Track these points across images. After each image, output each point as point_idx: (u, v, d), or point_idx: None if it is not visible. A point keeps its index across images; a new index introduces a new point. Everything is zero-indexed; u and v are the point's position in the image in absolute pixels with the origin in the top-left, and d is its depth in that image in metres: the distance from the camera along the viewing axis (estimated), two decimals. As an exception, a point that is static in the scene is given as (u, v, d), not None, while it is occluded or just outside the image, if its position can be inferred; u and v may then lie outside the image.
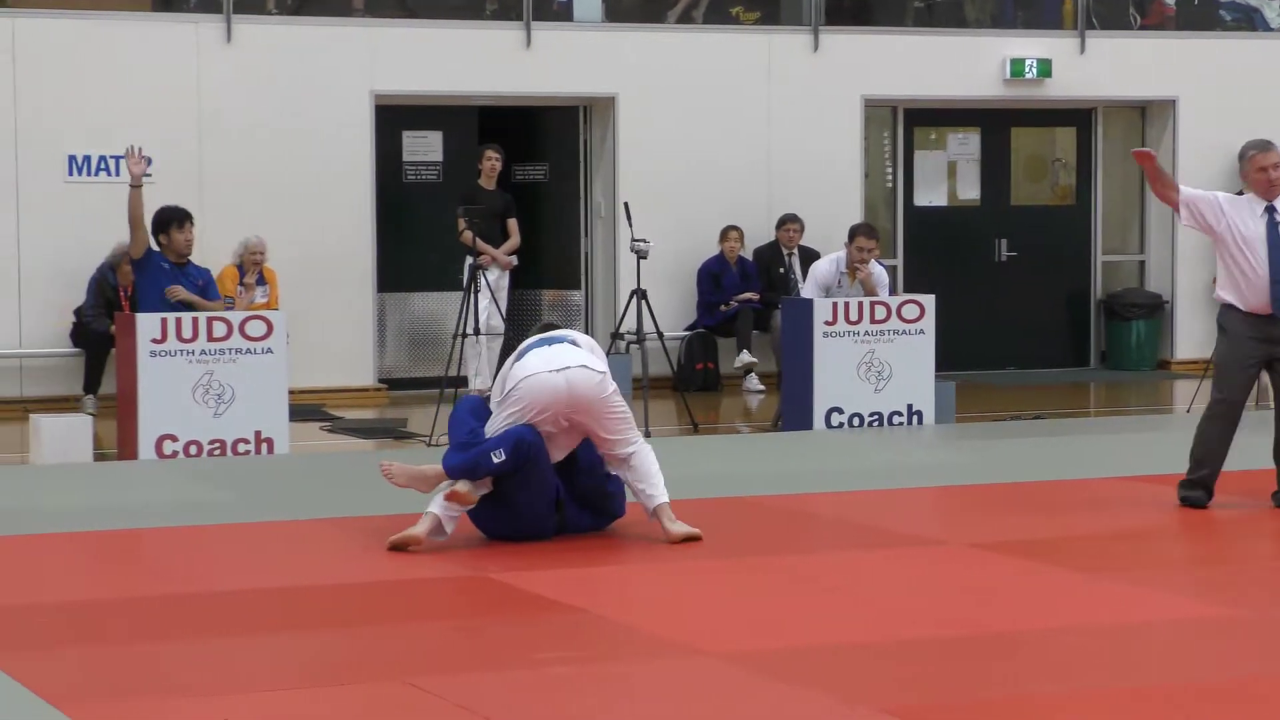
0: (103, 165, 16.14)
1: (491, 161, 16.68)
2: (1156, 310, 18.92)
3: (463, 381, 15.59)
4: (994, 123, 18.96)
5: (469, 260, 15.47)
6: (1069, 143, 19.31)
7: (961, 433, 14.14)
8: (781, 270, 17.51)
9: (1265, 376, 10.82)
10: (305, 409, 15.14)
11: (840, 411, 14.09)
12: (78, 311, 15.87)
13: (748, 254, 17.65)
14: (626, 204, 15.92)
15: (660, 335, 15.52)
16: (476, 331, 15.01)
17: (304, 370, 15.64)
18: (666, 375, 16.17)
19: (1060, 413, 15.77)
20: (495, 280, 16.17)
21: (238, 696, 6.73)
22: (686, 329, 17.40)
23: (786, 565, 9.09)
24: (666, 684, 6.94)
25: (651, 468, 9.49)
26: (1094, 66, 18.68)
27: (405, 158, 17.58)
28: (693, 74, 17.64)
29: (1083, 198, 19.12)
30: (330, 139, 16.70)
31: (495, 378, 9.88)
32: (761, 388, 16.98)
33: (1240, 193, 10.67)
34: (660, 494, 9.47)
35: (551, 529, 9.51)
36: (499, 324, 16.09)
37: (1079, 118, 19.20)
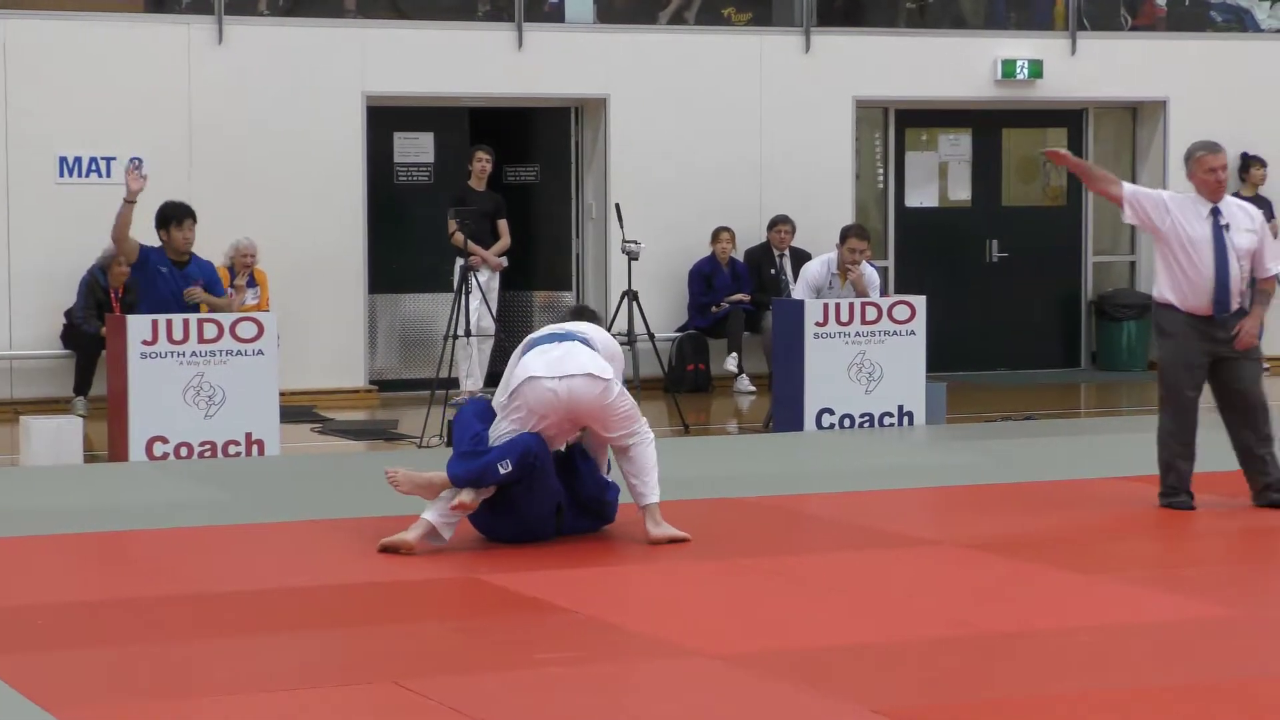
0: (94, 166, 16.13)
1: (482, 163, 16.67)
2: (1147, 311, 18.89)
3: (454, 383, 15.58)
4: (985, 124, 18.96)
5: (460, 262, 15.46)
6: (1060, 143, 19.29)
7: (953, 434, 14.15)
8: (773, 271, 17.51)
9: None
10: (296, 410, 15.13)
11: (831, 412, 14.09)
12: (68, 313, 15.85)
13: (739, 255, 17.64)
14: (618, 205, 15.91)
15: (651, 336, 15.52)
16: (468, 333, 15.00)
17: (295, 372, 15.62)
18: (658, 376, 16.17)
19: (1051, 413, 15.78)
20: (486, 281, 16.16)
21: (228, 698, 6.73)
22: (677, 330, 17.40)
23: (778, 566, 9.09)
24: (659, 685, 6.94)
25: (647, 463, 9.44)
26: (1085, 67, 18.69)
27: (396, 159, 17.57)
28: (684, 75, 17.64)
29: (1073, 199, 19.12)
30: (321, 140, 16.68)
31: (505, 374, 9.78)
32: (752, 389, 16.98)
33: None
34: (651, 494, 9.44)
35: (551, 533, 9.49)
36: (490, 325, 16.08)
37: (1070, 118, 19.21)
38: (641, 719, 6.64)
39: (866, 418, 14.16)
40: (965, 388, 16.92)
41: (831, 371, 14.06)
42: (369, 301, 17.04)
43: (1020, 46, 18.56)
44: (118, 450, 12.76)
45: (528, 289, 17.93)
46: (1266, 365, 18.22)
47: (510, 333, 16.63)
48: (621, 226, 15.41)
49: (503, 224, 16.72)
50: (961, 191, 19.05)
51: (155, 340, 12.62)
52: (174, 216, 13.01)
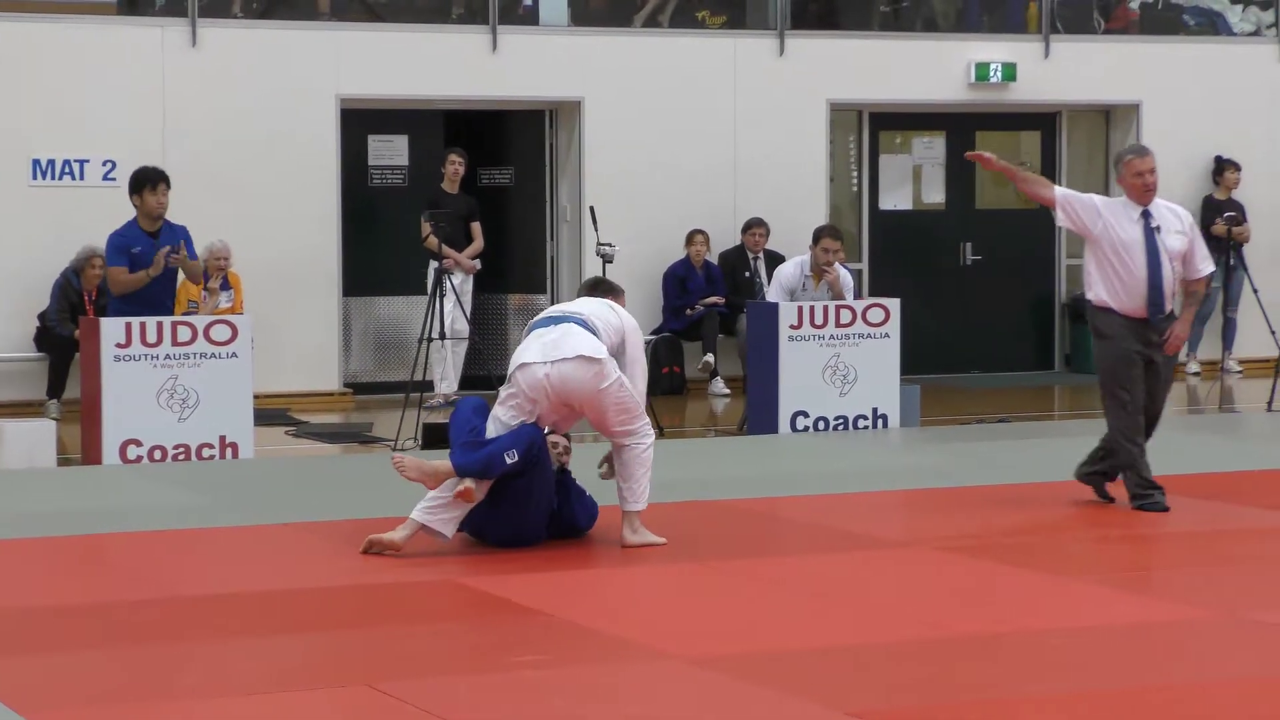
0: (67, 169, 16.09)
1: (455, 165, 16.66)
2: (1121, 313, 18.95)
3: (428, 386, 15.57)
4: (959, 126, 18.99)
5: (434, 264, 15.45)
6: (1034, 146, 19.35)
7: (927, 436, 14.17)
8: (747, 274, 17.52)
9: None
10: (270, 413, 15.11)
11: (805, 415, 14.10)
12: (41, 316, 15.81)
13: (713, 258, 17.65)
14: (592, 208, 15.91)
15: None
16: (442, 336, 14.99)
17: (269, 374, 15.60)
18: (632, 379, 16.15)
19: (1025, 415, 15.80)
20: (459, 284, 16.15)
21: (201, 702, 6.72)
22: (652, 333, 17.39)
23: (753, 569, 9.09)
24: (634, 688, 6.94)
25: (638, 470, 9.38)
26: (1058, 70, 18.72)
27: (371, 161, 17.56)
28: (658, 78, 17.64)
29: (1047, 201, 19.15)
30: (295, 143, 16.66)
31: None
32: (727, 391, 16.99)
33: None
34: (635, 502, 9.40)
35: (544, 535, 9.47)
36: (464, 328, 16.07)
37: (1043, 121, 19.25)
38: (616, 722, 6.65)
39: (841, 420, 14.18)
40: (939, 390, 16.95)
41: (806, 374, 14.08)
42: (343, 304, 17.03)
43: (994, 49, 18.60)
44: (91, 453, 12.72)
45: (502, 292, 17.92)
46: (1198, 370, 18.38)
47: (484, 336, 16.65)
48: (596, 229, 15.41)
49: (476, 227, 16.72)
50: (935, 194, 19.08)
51: (129, 343, 12.60)
52: (147, 180, 12.83)
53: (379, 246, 17.35)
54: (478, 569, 8.95)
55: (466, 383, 16.34)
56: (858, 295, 15.90)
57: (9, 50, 16.08)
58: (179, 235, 12.86)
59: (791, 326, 14.07)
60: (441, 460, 9.27)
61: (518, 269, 18.00)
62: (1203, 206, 18.75)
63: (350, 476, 12.39)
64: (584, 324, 9.40)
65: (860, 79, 18.21)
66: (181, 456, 12.68)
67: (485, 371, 15.35)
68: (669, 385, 17.21)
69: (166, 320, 12.74)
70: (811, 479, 11.95)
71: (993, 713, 6.59)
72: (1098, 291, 10.49)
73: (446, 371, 16.17)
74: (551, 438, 9.67)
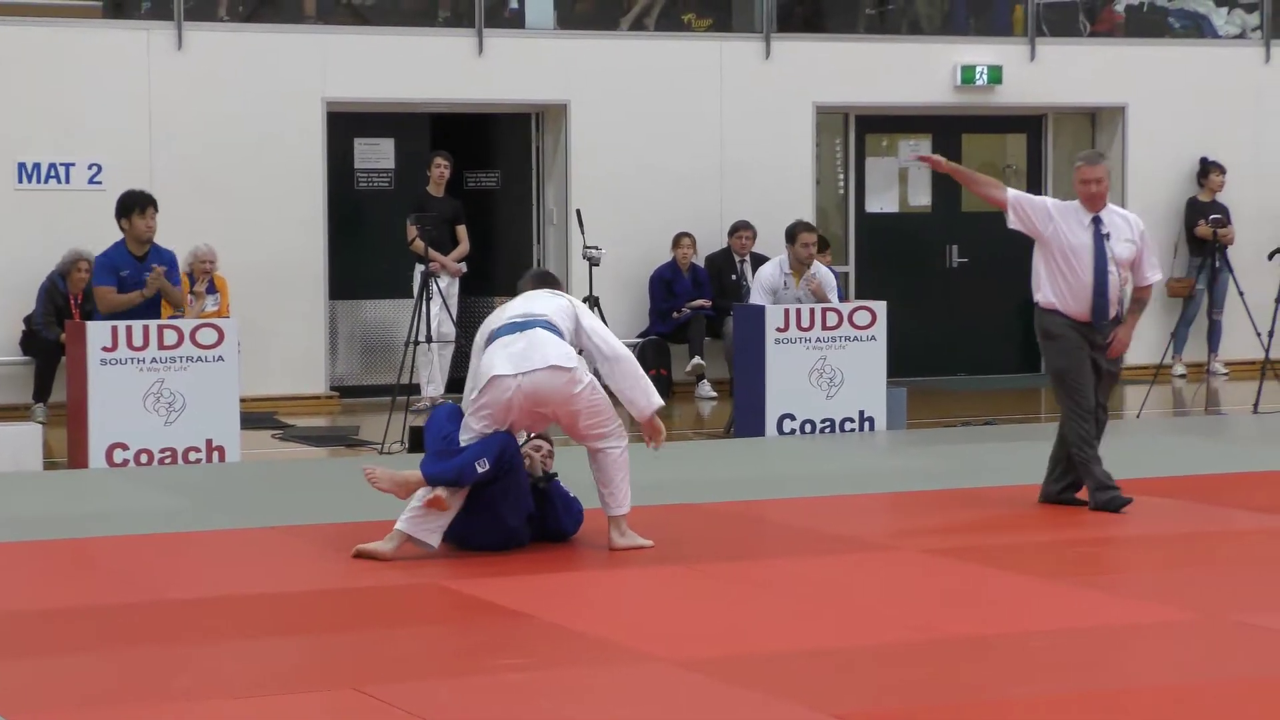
0: (53, 173, 16.07)
1: (440, 169, 16.66)
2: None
3: (415, 389, 15.57)
4: (945, 129, 19.01)
5: (420, 268, 15.45)
6: (1019, 149, 19.37)
7: (913, 439, 14.18)
8: (734, 277, 17.52)
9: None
10: (257, 417, 15.10)
11: (792, 418, 14.12)
12: (27, 319, 15.79)
13: (700, 261, 17.66)
14: (579, 211, 15.92)
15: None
16: (429, 339, 14.98)
17: (255, 378, 15.59)
18: (619, 382, 16.15)
19: (1011, 418, 15.82)
20: (446, 287, 16.15)
21: (188, 704, 6.71)
22: (639, 336, 17.40)
23: (739, 572, 9.10)
24: (620, 691, 6.94)
25: (617, 474, 9.39)
26: (1044, 73, 18.75)
27: (357, 165, 17.55)
28: (645, 81, 17.65)
29: (1033, 204, 19.17)
30: (282, 146, 16.65)
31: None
32: (714, 394, 17.00)
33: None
34: (619, 506, 9.41)
35: (525, 541, 9.46)
36: (450, 331, 16.07)
37: (1029, 124, 19.28)
38: (602, 724, 6.65)
39: (828, 423, 14.19)
40: (926, 393, 16.96)
41: (793, 377, 14.09)
42: (329, 307, 17.02)
43: (980, 52, 18.62)
44: (77, 457, 12.71)
45: (488, 295, 17.90)
46: (1183, 372, 18.40)
47: (470, 339, 16.59)
48: (582, 232, 15.41)
49: (462, 230, 16.72)
50: (921, 197, 19.10)
51: (115, 347, 12.59)
52: (135, 204, 12.87)
53: (365, 250, 17.34)
54: (463, 572, 8.95)
55: (453, 386, 16.32)
56: (844, 297, 15.93)
57: (-5, 54, 16.07)
58: (166, 259, 12.95)
59: (778, 329, 14.09)
60: (413, 470, 9.28)
61: (504, 272, 17.98)
62: (1187, 208, 18.79)
63: (337, 480, 12.37)
64: (549, 327, 9.36)
65: (846, 82, 18.22)
66: (168, 460, 12.67)
67: (472, 375, 15.33)
68: (656, 388, 17.16)
69: (152, 324, 12.73)
70: (798, 481, 11.96)
71: (979, 715, 6.60)
72: (1045, 293, 10.60)
73: (433, 375, 16.17)
74: (535, 441, 9.68)
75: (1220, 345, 18.53)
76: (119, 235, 12.90)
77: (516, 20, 17.81)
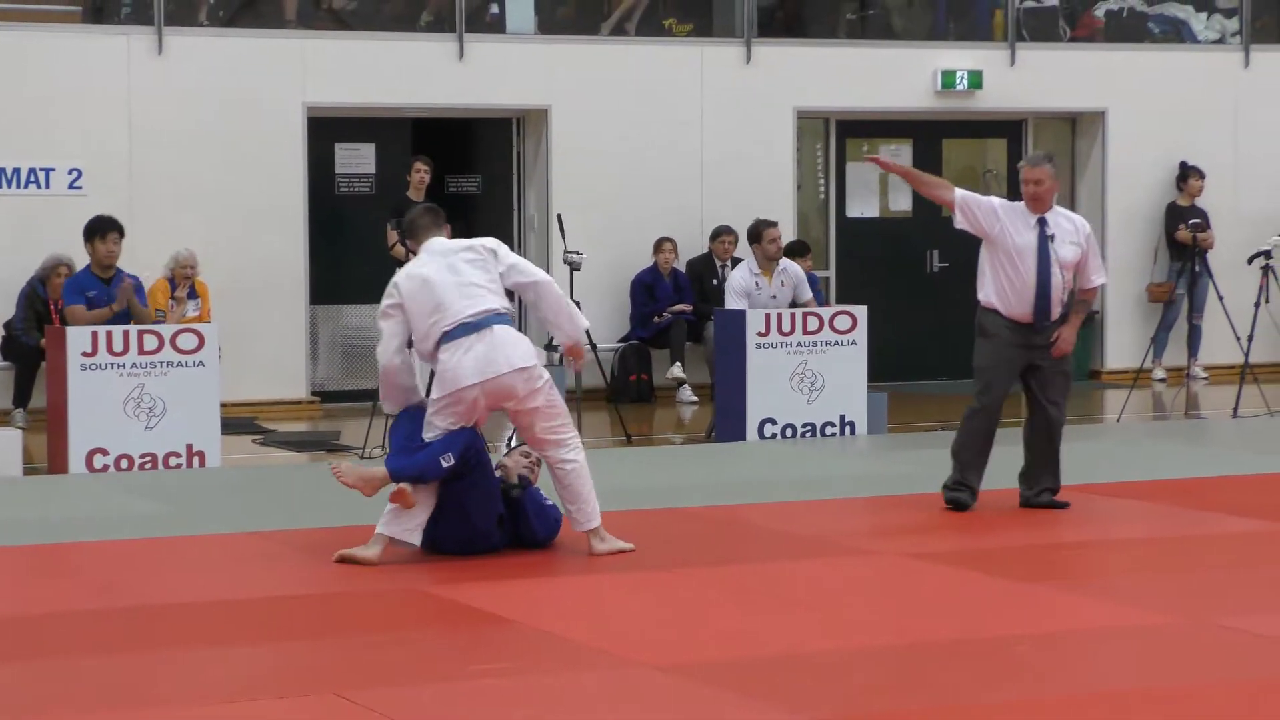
0: (33, 177, 16.04)
1: (420, 173, 16.65)
2: (1087, 321, 18.98)
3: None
4: (925, 134, 19.04)
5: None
6: (1000, 154, 19.40)
7: (894, 443, 14.19)
8: (715, 282, 17.52)
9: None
10: (237, 422, 15.09)
11: (773, 422, 14.12)
12: (7, 325, 15.76)
13: (681, 265, 17.67)
14: (560, 216, 15.92)
15: (594, 347, 15.50)
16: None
17: (236, 383, 15.57)
18: (600, 387, 16.17)
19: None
20: (427, 292, 16.11)
21: (168, 710, 6.70)
22: (620, 340, 17.41)
23: (720, 576, 9.10)
24: (600, 695, 6.94)
25: (583, 488, 9.38)
26: (1024, 78, 18.78)
27: (338, 170, 17.54)
28: (626, 86, 17.66)
29: (1014, 209, 19.20)
30: (262, 151, 16.64)
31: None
32: (695, 399, 17.00)
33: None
34: (588, 520, 9.39)
35: (496, 543, 9.45)
36: (432, 336, 16.03)
37: (1010, 129, 19.30)
38: (583, 729, 6.65)
39: (809, 428, 14.20)
40: (907, 397, 16.98)
41: (773, 381, 14.10)
42: (310, 312, 17.00)
43: (960, 57, 18.65)
44: (58, 462, 12.69)
45: (469, 300, 17.88)
46: (1163, 377, 18.44)
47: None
48: (563, 237, 15.41)
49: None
50: (902, 202, 19.12)
51: (95, 352, 12.57)
52: (98, 230, 13.31)
53: (346, 255, 17.32)
54: (444, 577, 8.95)
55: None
56: (824, 302, 15.97)
57: (-26, 58, 16.04)
58: (138, 294, 13.39)
59: (759, 334, 14.10)
60: (379, 467, 9.30)
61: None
62: (1167, 213, 18.83)
63: (318, 485, 12.34)
64: (501, 319, 9.33)
65: (827, 87, 18.24)
66: (148, 465, 12.65)
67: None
68: (637, 393, 17.22)
69: (133, 329, 12.72)
70: (779, 486, 11.96)
71: (960, 718, 6.60)
72: (986, 293, 10.71)
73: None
74: (521, 449, 9.69)
75: (1200, 350, 18.56)
76: (85, 242, 13.22)
77: (497, 25, 17.81)
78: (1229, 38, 19.74)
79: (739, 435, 14.07)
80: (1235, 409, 15.66)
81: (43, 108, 16.11)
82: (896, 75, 18.45)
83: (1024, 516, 10.65)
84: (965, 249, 18.97)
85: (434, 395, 9.38)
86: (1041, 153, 11.27)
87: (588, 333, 15.26)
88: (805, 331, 14.21)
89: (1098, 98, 19.01)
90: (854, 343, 14.35)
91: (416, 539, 9.22)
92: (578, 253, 14.97)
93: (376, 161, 17.59)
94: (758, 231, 14.70)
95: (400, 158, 17.34)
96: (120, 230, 13.33)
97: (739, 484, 12.04)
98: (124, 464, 12.62)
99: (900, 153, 19.05)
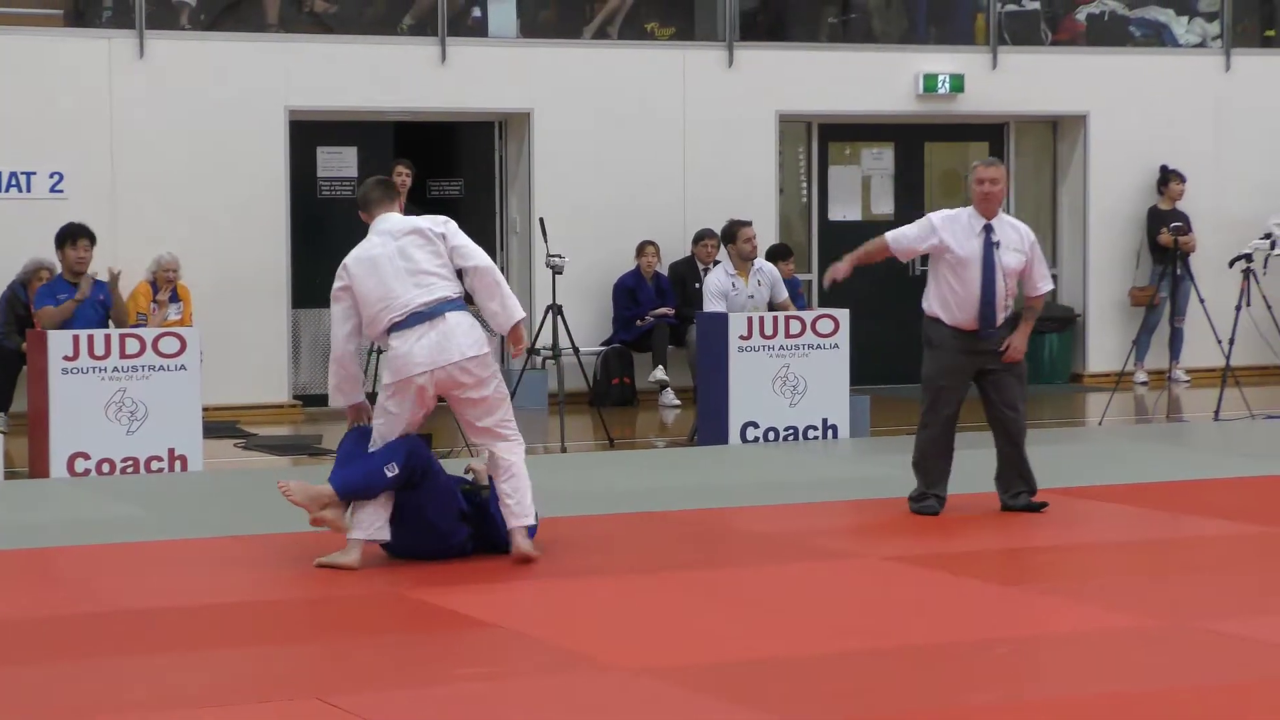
0: (14, 181, 16.02)
1: (401, 177, 16.63)
2: (1068, 324, 19.05)
3: (375, 397, 15.50)
4: (908, 138, 19.06)
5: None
6: (981, 157, 19.30)
7: (876, 446, 14.21)
8: (697, 285, 17.50)
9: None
10: (219, 426, 15.07)
11: (755, 426, 14.13)
12: (-12, 329, 15.73)
13: (664, 269, 17.67)
14: (542, 219, 15.92)
15: (576, 350, 15.54)
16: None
17: (218, 387, 15.55)
18: (583, 390, 16.18)
19: (973, 426, 15.81)
20: (409, 296, 16.11)
21: (151, 715, 6.70)
22: (602, 344, 17.41)
23: (702, 580, 9.11)
24: (581, 699, 6.94)
25: (524, 485, 9.31)
26: (1006, 82, 18.80)
27: (320, 173, 17.52)
28: (608, 89, 17.66)
29: (996, 212, 19.21)
30: (244, 154, 16.62)
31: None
32: (677, 402, 17.00)
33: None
34: (525, 515, 9.32)
35: (463, 538, 9.42)
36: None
37: (991, 132, 19.32)
38: (565, 733, 6.65)
39: (791, 431, 14.21)
40: (889, 401, 16.99)
41: (756, 385, 14.11)
42: (292, 316, 16.99)
43: (942, 61, 18.67)
44: (39, 467, 12.67)
45: (452, 303, 17.88)
46: (1145, 380, 18.47)
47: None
48: (546, 241, 15.41)
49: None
50: (884, 205, 19.13)
51: (76, 356, 12.56)
52: (68, 236, 13.73)
53: (328, 258, 17.16)
54: (425, 581, 8.95)
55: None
56: (806, 305, 15.98)
57: (-45, 62, 16.01)
58: (100, 289, 13.70)
59: (741, 337, 14.11)
60: (324, 484, 9.26)
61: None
62: (1148, 217, 18.86)
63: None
64: (452, 305, 9.31)
65: (809, 90, 18.25)
66: (130, 469, 12.64)
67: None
68: (619, 396, 17.22)
69: (115, 333, 12.71)
70: (761, 489, 11.97)
71: (941, 722, 6.62)
72: (930, 302, 10.76)
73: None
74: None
75: (1182, 353, 18.59)
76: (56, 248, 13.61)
77: (480, 29, 17.81)
78: (1210, 41, 19.78)
79: (721, 438, 14.08)
80: (1217, 412, 15.69)
81: (24, 111, 16.09)
82: (878, 79, 18.47)
83: (1005, 520, 10.67)
84: (947, 252, 19.10)
85: (384, 380, 9.39)
86: (994, 157, 11.30)
87: (569, 336, 15.42)
88: (787, 335, 14.22)
89: (1079, 101, 19.04)
90: (836, 346, 14.36)
91: (387, 533, 9.24)
92: (560, 256, 14.97)
93: (358, 165, 17.57)
94: (732, 232, 14.76)
95: (382, 161, 17.31)
96: (91, 237, 13.55)
97: (721, 487, 12.05)
98: (105, 468, 12.60)
99: (882, 156, 19.07)
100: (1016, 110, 19.05)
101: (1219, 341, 15.93)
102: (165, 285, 15.55)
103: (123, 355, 12.65)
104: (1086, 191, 19.01)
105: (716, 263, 17.40)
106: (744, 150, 18.02)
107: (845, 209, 19.02)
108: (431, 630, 8.11)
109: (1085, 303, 19.10)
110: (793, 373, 14.22)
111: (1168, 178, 18.88)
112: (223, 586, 9.02)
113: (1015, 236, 10.68)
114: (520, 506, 9.31)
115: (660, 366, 17.14)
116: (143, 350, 12.71)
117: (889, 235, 10.83)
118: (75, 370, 12.57)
